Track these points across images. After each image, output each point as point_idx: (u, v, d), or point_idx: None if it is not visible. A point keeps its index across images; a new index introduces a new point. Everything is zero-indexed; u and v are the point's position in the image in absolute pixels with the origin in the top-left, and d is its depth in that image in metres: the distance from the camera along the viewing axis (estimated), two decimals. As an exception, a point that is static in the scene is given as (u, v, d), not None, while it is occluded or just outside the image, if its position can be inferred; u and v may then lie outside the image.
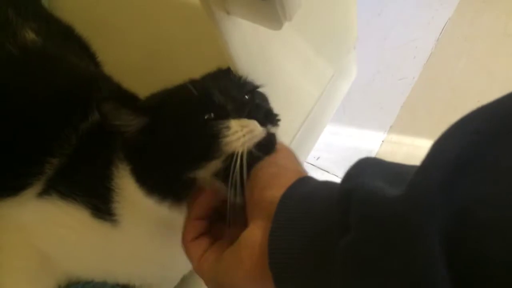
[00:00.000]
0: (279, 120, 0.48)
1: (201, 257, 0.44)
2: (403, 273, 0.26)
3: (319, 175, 1.34)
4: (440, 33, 1.51)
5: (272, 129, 0.46)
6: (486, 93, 1.34)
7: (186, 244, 0.45)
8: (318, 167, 1.34)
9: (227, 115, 0.44)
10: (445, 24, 1.53)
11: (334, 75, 0.77)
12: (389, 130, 1.38)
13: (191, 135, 0.44)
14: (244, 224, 0.41)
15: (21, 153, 0.51)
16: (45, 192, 0.50)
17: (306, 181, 0.39)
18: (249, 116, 0.44)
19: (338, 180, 0.35)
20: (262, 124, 0.44)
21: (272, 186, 0.39)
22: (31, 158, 0.51)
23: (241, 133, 0.43)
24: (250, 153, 0.43)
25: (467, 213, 0.25)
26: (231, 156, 0.43)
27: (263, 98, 0.52)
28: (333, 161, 1.35)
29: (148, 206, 0.48)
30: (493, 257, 0.23)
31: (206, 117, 0.45)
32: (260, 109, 0.46)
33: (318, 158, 1.36)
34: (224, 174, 0.44)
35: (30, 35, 0.58)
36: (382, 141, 1.37)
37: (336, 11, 0.73)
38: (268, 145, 0.44)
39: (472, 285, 0.24)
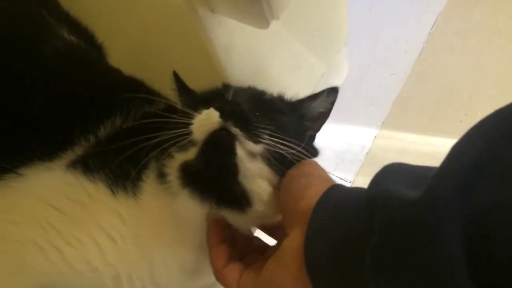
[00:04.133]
0: (254, 130, 0.43)
1: (240, 280, 0.45)
2: (424, 274, 0.27)
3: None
4: (432, 28, 1.51)
5: (234, 130, 0.42)
6: (478, 88, 1.34)
7: (219, 272, 0.46)
8: (311, 164, 1.34)
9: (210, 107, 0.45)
10: (436, 19, 1.52)
11: (326, 72, 0.76)
12: (381, 125, 1.37)
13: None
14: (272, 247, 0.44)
15: (67, 124, 0.53)
16: (72, 165, 0.51)
17: (337, 188, 0.41)
18: (219, 106, 0.43)
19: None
20: (224, 118, 0.42)
21: (305, 196, 0.41)
22: (76, 130, 0.53)
23: (200, 118, 0.43)
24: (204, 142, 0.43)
25: (485, 215, 0.25)
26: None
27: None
28: (326, 158, 1.34)
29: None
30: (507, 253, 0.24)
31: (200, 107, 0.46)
32: (237, 110, 0.43)
33: (310, 155, 1.35)
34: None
35: (68, 35, 0.62)
36: (375, 136, 1.36)
37: (327, 8, 0.72)
38: (216, 139, 0.43)
39: (493, 285, 0.25)
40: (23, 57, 0.55)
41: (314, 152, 0.53)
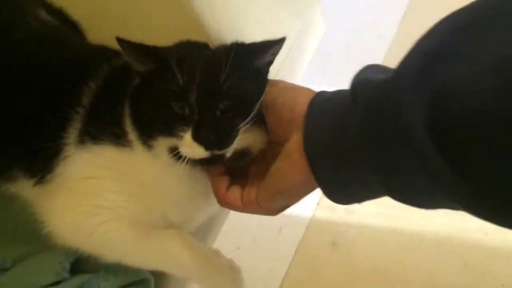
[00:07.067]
0: (233, 139, 0.50)
1: (242, 197, 0.52)
2: (393, 137, 0.35)
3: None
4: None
5: (221, 152, 0.50)
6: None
7: (222, 197, 0.54)
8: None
9: (188, 122, 0.50)
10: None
11: (301, 30, 0.77)
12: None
13: (160, 109, 0.51)
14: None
15: (53, 109, 0.56)
16: (80, 142, 0.55)
17: (323, 93, 0.48)
18: (200, 139, 0.49)
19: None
20: (210, 149, 0.49)
21: (299, 103, 0.47)
22: (63, 109, 0.56)
23: (187, 149, 0.50)
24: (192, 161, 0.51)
25: (443, 87, 0.32)
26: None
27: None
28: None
29: None
30: (461, 112, 0.31)
31: (173, 105, 0.50)
32: (214, 132, 0.49)
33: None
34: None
35: (44, 14, 0.64)
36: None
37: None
38: (211, 160, 0.51)
39: (447, 135, 0.32)
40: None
41: None
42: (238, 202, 0.53)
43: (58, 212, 0.56)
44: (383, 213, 1.44)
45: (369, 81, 0.39)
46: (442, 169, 0.32)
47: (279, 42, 0.54)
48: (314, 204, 1.43)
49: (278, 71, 0.76)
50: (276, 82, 0.54)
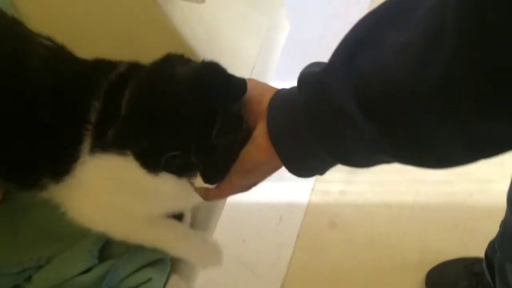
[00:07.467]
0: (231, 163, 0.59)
1: (220, 187, 0.61)
2: (330, 112, 0.44)
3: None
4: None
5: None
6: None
7: (205, 194, 0.64)
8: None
9: (193, 169, 0.58)
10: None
11: (269, 29, 0.87)
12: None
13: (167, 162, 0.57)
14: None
15: (71, 124, 0.64)
16: (92, 150, 0.64)
17: (282, 89, 0.57)
18: (210, 181, 0.59)
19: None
20: (217, 182, 0.60)
21: (264, 99, 0.56)
22: (78, 125, 0.64)
23: (200, 185, 0.60)
24: None
25: (364, 69, 0.41)
26: None
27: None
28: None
29: None
30: (377, 87, 0.40)
31: (172, 155, 0.57)
32: (219, 170, 0.59)
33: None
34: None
35: (45, 41, 0.71)
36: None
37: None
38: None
39: (370, 104, 0.40)
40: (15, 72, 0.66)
41: None
42: (216, 192, 0.62)
43: (76, 202, 0.68)
44: (374, 190, 1.53)
45: (310, 73, 0.48)
46: (369, 130, 0.41)
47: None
48: (309, 190, 1.50)
49: (254, 65, 0.86)
50: (247, 81, 0.62)
